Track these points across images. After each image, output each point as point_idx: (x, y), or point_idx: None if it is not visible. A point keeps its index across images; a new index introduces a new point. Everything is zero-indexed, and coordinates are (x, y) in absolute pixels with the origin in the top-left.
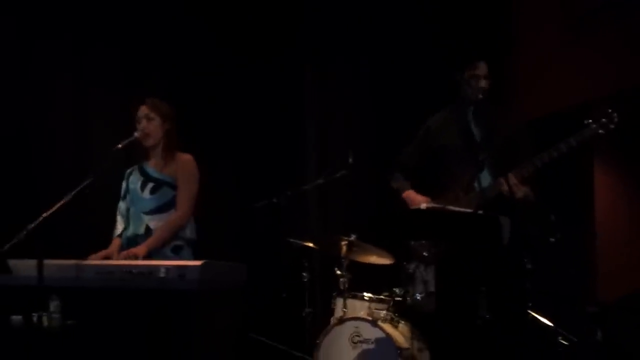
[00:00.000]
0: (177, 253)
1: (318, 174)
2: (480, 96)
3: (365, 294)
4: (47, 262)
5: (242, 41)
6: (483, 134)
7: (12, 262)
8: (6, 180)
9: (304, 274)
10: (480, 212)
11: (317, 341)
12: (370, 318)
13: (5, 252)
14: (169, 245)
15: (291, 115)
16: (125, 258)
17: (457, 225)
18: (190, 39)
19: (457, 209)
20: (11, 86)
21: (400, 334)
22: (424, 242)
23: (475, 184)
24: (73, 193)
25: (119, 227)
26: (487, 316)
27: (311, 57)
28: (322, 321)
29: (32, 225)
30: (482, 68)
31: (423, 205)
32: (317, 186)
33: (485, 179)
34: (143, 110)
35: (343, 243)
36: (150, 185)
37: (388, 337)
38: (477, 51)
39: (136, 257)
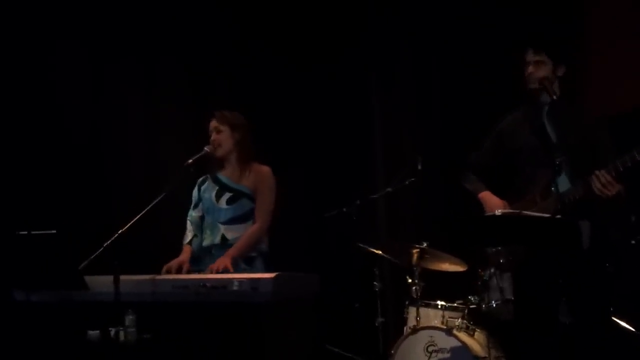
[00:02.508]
0: (250, 264)
1: (387, 182)
2: (533, 85)
3: (438, 302)
4: (123, 277)
5: (308, 50)
6: (559, 135)
7: (90, 279)
8: (82, 198)
9: (375, 283)
10: (559, 216)
11: (392, 351)
12: (444, 327)
13: (83, 269)
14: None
15: (359, 124)
16: (217, 272)
17: (535, 230)
18: (257, 50)
19: (534, 214)
20: (84, 107)
21: (476, 342)
22: (499, 248)
23: (553, 188)
24: (147, 209)
25: (189, 234)
26: (568, 323)
27: (377, 63)
28: (395, 331)
29: (108, 242)
30: (529, 54)
31: (498, 211)
32: (387, 194)
33: (563, 182)
34: (213, 123)
35: (414, 251)
36: (227, 195)
37: (464, 346)
38: (533, 40)
39: (226, 270)
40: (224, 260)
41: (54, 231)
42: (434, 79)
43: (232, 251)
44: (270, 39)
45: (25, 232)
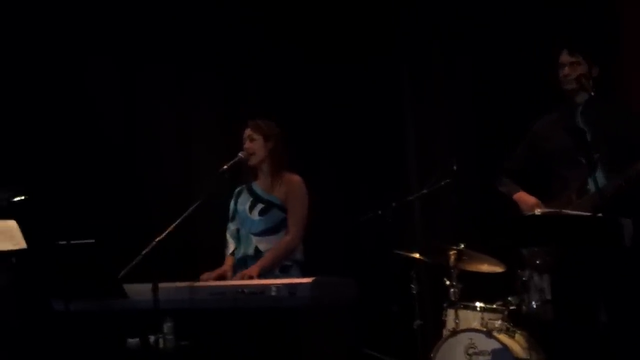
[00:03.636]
0: (285, 273)
1: (422, 183)
2: (569, 86)
3: (477, 304)
4: (161, 285)
5: (340, 52)
6: (594, 132)
7: (128, 287)
8: (119, 207)
9: (413, 285)
10: (599, 214)
11: (431, 354)
12: (484, 329)
13: (122, 278)
14: (277, 266)
15: (392, 126)
16: (241, 279)
17: (575, 229)
18: (288, 54)
19: (572, 212)
20: (118, 117)
21: (517, 344)
22: (537, 248)
23: (589, 186)
24: (184, 216)
25: (230, 247)
26: (608, 322)
27: (409, 63)
28: (433, 333)
29: (147, 250)
30: (564, 55)
31: (537, 211)
32: (422, 196)
33: (599, 179)
34: (247, 132)
35: (452, 252)
36: (259, 206)
37: (505, 348)
38: (568, 42)
39: (251, 279)
40: (252, 270)
41: (92, 240)
42: (467, 78)
43: (261, 262)
44: (301, 42)
45: (65, 242)
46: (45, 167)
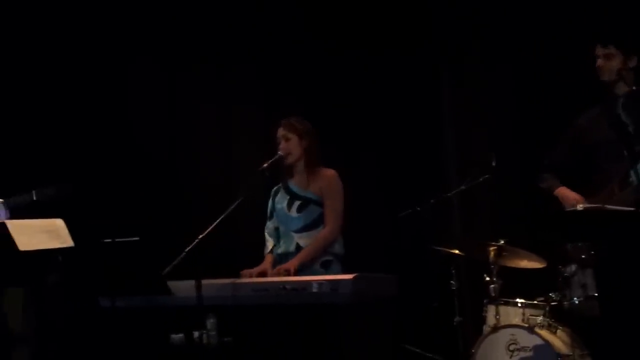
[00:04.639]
0: (326, 268)
1: (461, 179)
2: (605, 78)
3: (518, 299)
4: (204, 281)
5: (378, 47)
6: (636, 125)
7: (172, 284)
8: (162, 206)
9: (452, 282)
10: None
11: (472, 350)
12: (526, 325)
13: (166, 274)
14: (318, 261)
15: (430, 122)
16: (278, 274)
17: (618, 224)
18: (326, 51)
19: (616, 207)
20: (159, 117)
21: (559, 340)
22: (579, 244)
23: (632, 178)
24: (225, 214)
25: (269, 244)
26: None
27: (448, 59)
28: (473, 329)
29: (190, 247)
30: (597, 48)
31: (580, 206)
32: (461, 192)
33: None
34: (280, 132)
35: (491, 248)
36: (296, 203)
37: (547, 344)
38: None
39: (288, 273)
40: (290, 264)
41: (137, 238)
42: (506, 72)
43: (300, 256)
44: (340, 39)
45: (110, 240)
46: (90, 166)
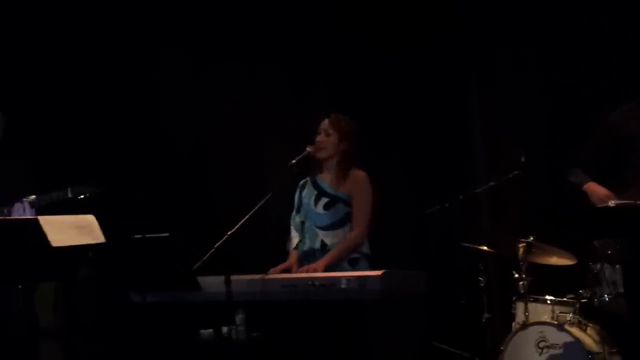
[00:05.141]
0: (353, 265)
1: (489, 175)
2: None
3: (547, 297)
4: (234, 277)
5: (406, 43)
6: None
7: (202, 279)
8: (191, 203)
9: (481, 278)
10: None
11: (501, 347)
12: (555, 322)
13: (196, 270)
14: (345, 259)
15: (458, 118)
16: (307, 273)
17: None
18: (354, 48)
19: None
20: (188, 112)
21: (589, 337)
22: (610, 240)
23: None
24: (254, 210)
25: (294, 240)
26: None
27: (476, 54)
28: (502, 326)
29: (219, 243)
30: None
31: (611, 202)
32: (490, 188)
33: None
34: (324, 124)
35: (521, 245)
36: (324, 200)
37: (577, 341)
38: None
39: (315, 272)
40: (317, 265)
41: (167, 234)
42: (535, 67)
43: (327, 257)
44: (368, 35)
45: (140, 236)
46: (119, 163)
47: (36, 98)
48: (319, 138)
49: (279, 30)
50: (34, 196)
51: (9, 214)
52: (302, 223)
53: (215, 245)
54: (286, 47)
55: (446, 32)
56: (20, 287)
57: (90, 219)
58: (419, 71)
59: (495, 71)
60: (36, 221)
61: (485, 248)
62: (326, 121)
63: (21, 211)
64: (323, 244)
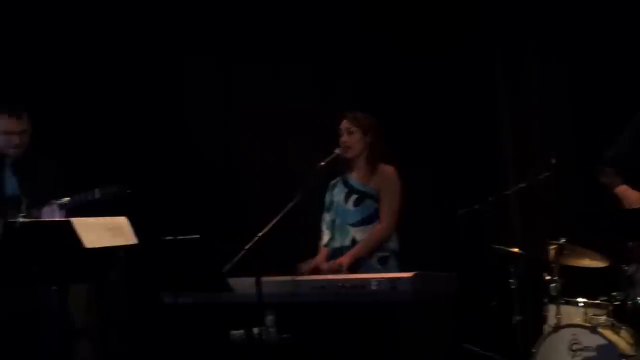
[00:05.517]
0: (383, 264)
1: (520, 177)
2: None
3: (579, 299)
4: (264, 278)
5: (433, 44)
6: None
7: (233, 280)
8: (221, 204)
9: (511, 280)
10: None
11: (533, 350)
12: (588, 325)
13: (226, 272)
14: (375, 257)
15: (488, 119)
16: (331, 268)
17: None
18: (381, 47)
19: None
20: (216, 111)
21: (623, 340)
22: None
23: None
24: (284, 211)
25: (325, 237)
26: None
27: (504, 54)
28: (533, 329)
29: (249, 244)
30: None
31: None
32: (520, 190)
33: None
34: (344, 124)
35: (552, 247)
36: (354, 197)
37: (611, 344)
38: None
39: (341, 267)
40: (343, 259)
41: (197, 236)
42: (564, 67)
43: (353, 251)
44: (395, 34)
45: (171, 238)
46: (148, 165)
47: (64, 99)
48: (342, 139)
49: (306, 31)
50: (67, 198)
51: (39, 216)
52: (333, 221)
53: (246, 247)
54: (313, 48)
55: (474, 31)
56: (54, 288)
57: (123, 220)
58: (447, 70)
59: (524, 71)
60: (69, 223)
61: (516, 250)
62: (345, 121)
63: (51, 213)
64: (354, 241)
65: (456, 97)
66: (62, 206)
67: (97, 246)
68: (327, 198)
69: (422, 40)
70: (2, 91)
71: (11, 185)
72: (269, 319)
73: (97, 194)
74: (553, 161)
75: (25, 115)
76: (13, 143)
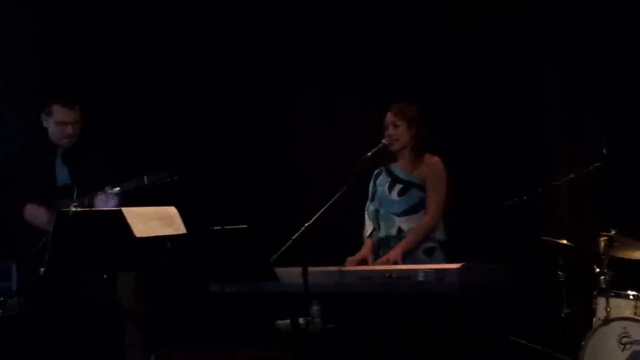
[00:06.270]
0: (429, 255)
1: (569, 167)
2: None
3: (629, 292)
4: (311, 269)
5: (482, 32)
6: None
7: (279, 270)
8: (268, 195)
9: (560, 273)
10: None
11: (582, 343)
12: (638, 317)
13: (273, 262)
14: (421, 248)
15: (537, 109)
16: (384, 264)
17: None
18: (428, 39)
19: None
20: (263, 103)
21: None
22: None
23: None
24: (330, 202)
25: (368, 228)
26: None
27: (554, 43)
28: (582, 322)
29: (296, 235)
30: None
31: None
32: (570, 181)
33: None
34: (389, 117)
35: (602, 239)
36: (398, 187)
37: None
38: None
39: (396, 263)
40: (395, 254)
41: (245, 226)
42: (617, 55)
43: (403, 244)
44: (441, 27)
45: (219, 228)
46: (198, 155)
47: (115, 89)
48: (389, 132)
49: (352, 21)
50: (117, 188)
51: (91, 204)
52: (377, 211)
53: (293, 237)
54: (359, 39)
55: (524, 17)
56: (105, 276)
57: (172, 210)
58: (496, 59)
59: (575, 58)
60: (120, 212)
61: (565, 242)
62: (390, 114)
63: (105, 201)
64: (399, 230)
65: (505, 85)
66: (115, 194)
67: (147, 235)
68: (371, 188)
69: (471, 29)
70: (55, 83)
71: (62, 175)
72: (315, 309)
73: (146, 180)
74: (604, 151)
75: (78, 106)
76: (66, 133)
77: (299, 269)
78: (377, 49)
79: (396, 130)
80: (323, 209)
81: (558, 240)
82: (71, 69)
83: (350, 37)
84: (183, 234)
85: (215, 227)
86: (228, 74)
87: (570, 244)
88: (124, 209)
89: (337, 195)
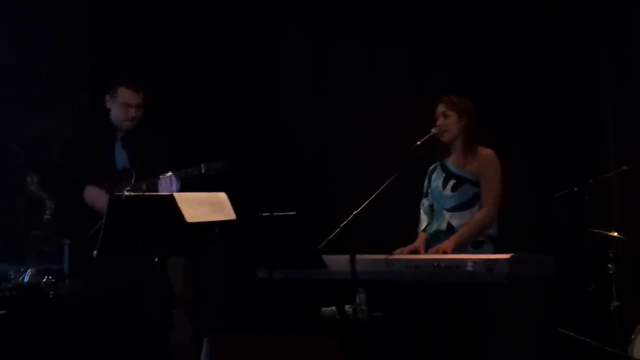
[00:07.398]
0: (477, 248)
1: (621, 159)
2: None
3: None
4: (358, 256)
5: (532, 27)
6: None
7: (327, 258)
8: (317, 182)
9: (610, 265)
10: None
11: (632, 336)
12: None
13: (321, 249)
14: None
15: (589, 100)
16: (435, 254)
17: None
18: (476, 31)
19: None
20: (310, 93)
21: None
22: None
23: None
24: (379, 190)
25: (423, 223)
26: None
27: (607, 29)
28: (632, 315)
29: (344, 222)
30: None
31: None
32: (622, 173)
33: None
34: (440, 108)
35: None
36: (451, 182)
37: None
38: None
39: (445, 253)
40: (447, 244)
41: (294, 213)
42: None
43: (457, 237)
44: (489, 17)
45: (268, 214)
46: (249, 143)
47: (173, 79)
48: (439, 122)
49: (399, 11)
50: (178, 173)
51: (154, 188)
52: (431, 207)
53: (341, 225)
54: (407, 29)
55: (576, 6)
56: (156, 260)
57: (222, 196)
58: (546, 49)
59: (628, 47)
60: (172, 197)
61: (615, 234)
62: (441, 105)
63: (167, 186)
64: (449, 226)
65: (556, 76)
66: (177, 179)
67: (197, 221)
68: (426, 184)
69: (520, 19)
70: (123, 67)
71: (121, 158)
72: (361, 296)
73: (203, 168)
74: None
75: (143, 90)
76: (129, 115)
77: (346, 257)
78: (424, 40)
79: (446, 121)
80: (372, 197)
81: (609, 233)
82: (124, 59)
83: (399, 27)
84: (232, 219)
85: (264, 214)
86: (277, 67)
87: (620, 236)
88: (176, 194)
89: (386, 183)
